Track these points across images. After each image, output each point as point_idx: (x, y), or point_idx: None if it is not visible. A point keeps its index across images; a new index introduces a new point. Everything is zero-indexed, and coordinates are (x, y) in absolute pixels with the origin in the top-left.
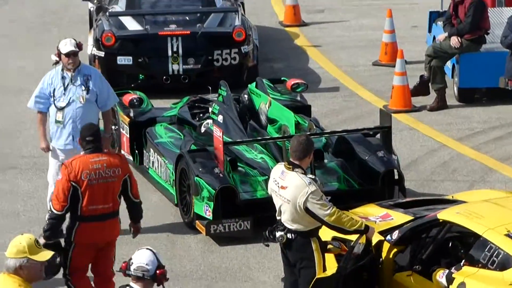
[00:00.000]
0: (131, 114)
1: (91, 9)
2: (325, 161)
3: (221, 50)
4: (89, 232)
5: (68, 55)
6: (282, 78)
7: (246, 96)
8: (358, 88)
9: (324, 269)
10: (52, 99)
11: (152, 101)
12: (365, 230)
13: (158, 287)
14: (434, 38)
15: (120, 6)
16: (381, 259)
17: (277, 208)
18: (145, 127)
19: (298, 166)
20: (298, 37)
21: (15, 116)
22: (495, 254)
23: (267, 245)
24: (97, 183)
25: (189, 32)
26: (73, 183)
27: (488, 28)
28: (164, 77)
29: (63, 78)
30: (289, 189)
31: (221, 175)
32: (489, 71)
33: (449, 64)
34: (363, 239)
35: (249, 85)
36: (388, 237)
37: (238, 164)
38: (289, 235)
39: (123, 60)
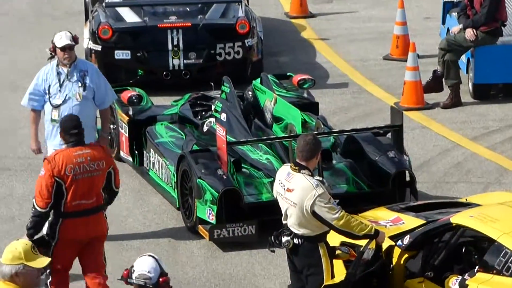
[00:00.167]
0: (130, 112)
1: None
2: (333, 162)
3: (224, 44)
4: (73, 228)
5: (63, 49)
6: (288, 74)
7: (250, 92)
8: (367, 84)
9: (332, 276)
10: (47, 96)
11: (152, 98)
12: (375, 235)
13: None
14: (448, 30)
15: None
16: (391, 265)
17: (283, 212)
18: (145, 126)
19: (304, 167)
20: (304, 29)
21: (8, 114)
22: (510, 260)
23: (273, 251)
24: (82, 178)
25: (190, 24)
26: (57, 179)
27: (505, 19)
28: (164, 73)
29: (58, 74)
30: (295, 191)
31: (224, 177)
32: (506, 65)
33: (463, 58)
34: (373, 244)
35: (253, 81)
36: (399, 242)
37: (242, 165)
38: (295, 240)
39: (121, 54)
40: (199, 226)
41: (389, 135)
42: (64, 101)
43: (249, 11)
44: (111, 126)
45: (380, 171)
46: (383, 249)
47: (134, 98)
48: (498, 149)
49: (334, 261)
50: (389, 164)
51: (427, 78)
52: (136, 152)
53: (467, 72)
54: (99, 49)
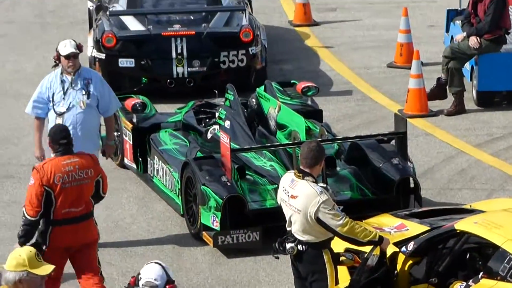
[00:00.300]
0: (134, 120)
1: (91, 8)
2: (337, 168)
3: (228, 52)
4: (62, 236)
5: (68, 57)
6: (292, 81)
7: (254, 100)
8: (371, 92)
9: (337, 282)
10: (51, 104)
11: (156, 106)
12: (379, 241)
13: None
14: (452, 38)
15: (121, 5)
16: (396, 272)
17: (287, 219)
18: (149, 134)
19: (308, 174)
20: (308, 37)
21: (13, 122)
22: None
23: (277, 257)
24: (71, 186)
25: (194, 32)
26: (46, 188)
27: (509, 27)
28: (168, 80)
29: (62, 82)
30: (299, 198)
31: (228, 184)
32: (509, 73)
33: (467, 66)
34: (377, 251)
35: (257, 89)
36: (403, 248)
37: (246, 172)
38: (299, 247)
39: (125, 62)
40: (203, 232)
41: (393, 142)
42: (68, 109)
43: (253, 20)
44: (115, 133)
45: (384, 177)
46: (388, 256)
47: (138, 105)
48: (502, 156)
49: (339, 267)
50: (393, 171)
51: (431, 85)
52: (140, 159)
53: (471, 79)
54: (103, 57)
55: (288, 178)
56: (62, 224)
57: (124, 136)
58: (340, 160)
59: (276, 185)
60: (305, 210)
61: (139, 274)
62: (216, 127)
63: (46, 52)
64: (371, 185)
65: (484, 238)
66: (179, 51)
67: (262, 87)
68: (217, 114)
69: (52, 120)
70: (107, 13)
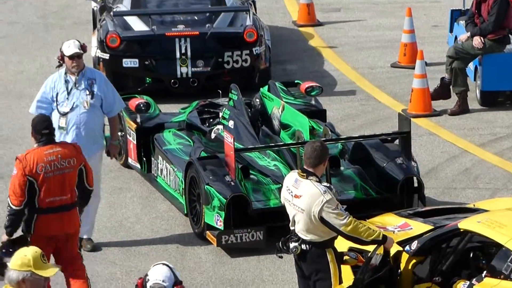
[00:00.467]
0: (138, 120)
1: (95, 8)
2: (341, 168)
3: (232, 52)
4: (48, 224)
5: (72, 57)
6: (295, 81)
7: (258, 100)
8: (375, 91)
9: (340, 281)
10: (54, 104)
11: (160, 106)
12: (383, 241)
13: None
14: (455, 38)
15: (125, 5)
16: (399, 271)
17: (290, 218)
18: (153, 133)
19: (312, 173)
20: (312, 37)
21: (16, 122)
22: None
23: (281, 257)
24: (53, 175)
25: (198, 32)
26: (29, 177)
27: None
28: (172, 81)
29: (66, 82)
30: (303, 198)
31: (232, 183)
32: None
33: (471, 66)
34: (380, 250)
35: (261, 89)
36: (407, 247)
37: (250, 171)
38: (303, 246)
39: (129, 62)
40: (207, 232)
41: (397, 141)
42: (72, 109)
43: (257, 20)
44: (119, 133)
45: (388, 177)
46: (391, 255)
47: (142, 105)
48: (505, 155)
49: (342, 266)
50: (397, 170)
51: (434, 85)
52: (144, 159)
53: (475, 79)
54: (107, 58)
55: (291, 178)
56: (47, 213)
57: (128, 136)
58: (344, 159)
59: (280, 185)
60: (308, 209)
61: (146, 275)
62: (220, 127)
63: (49, 53)
64: (375, 185)
65: (488, 237)
66: (183, 51)
67: (266, 87)
68: (221, 114)
69: (55, 120)
70: (111, 13)
